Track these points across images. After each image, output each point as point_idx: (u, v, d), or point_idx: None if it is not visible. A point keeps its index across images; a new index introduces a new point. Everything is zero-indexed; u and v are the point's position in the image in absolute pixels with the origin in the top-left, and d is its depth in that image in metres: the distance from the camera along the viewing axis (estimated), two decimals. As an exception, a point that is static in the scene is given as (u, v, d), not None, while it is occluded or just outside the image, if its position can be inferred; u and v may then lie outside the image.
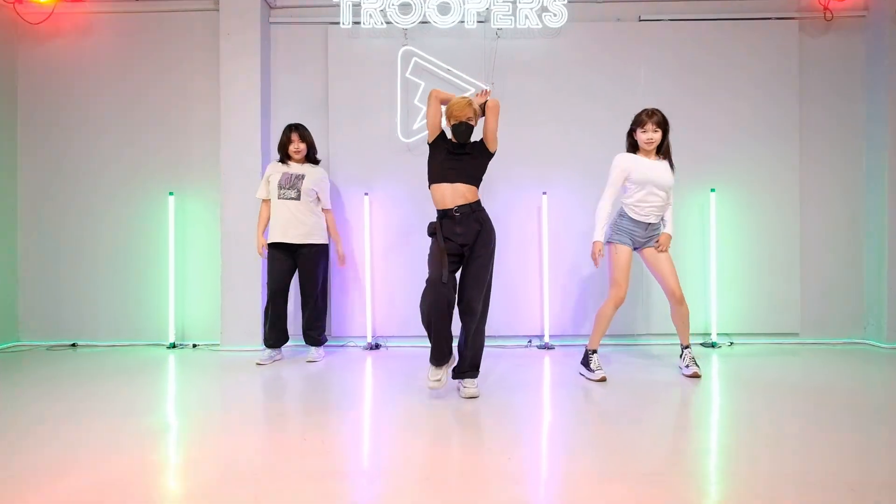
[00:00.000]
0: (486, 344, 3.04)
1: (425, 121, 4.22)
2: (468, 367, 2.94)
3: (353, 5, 4.15)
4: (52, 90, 4.41)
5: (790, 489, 1.80)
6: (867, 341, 4.28)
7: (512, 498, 1.75)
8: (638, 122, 3.25)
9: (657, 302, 4.22)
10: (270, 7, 4.35)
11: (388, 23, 4.19)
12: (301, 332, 3.94)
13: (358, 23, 4.19)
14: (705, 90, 4.28)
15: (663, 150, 3.29)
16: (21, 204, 4.43)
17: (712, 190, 4.23)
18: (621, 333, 4.26)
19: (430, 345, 2.87)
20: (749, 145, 4.28)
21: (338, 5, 4.16)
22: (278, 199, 3.73)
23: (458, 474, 1.93)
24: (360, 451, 2.20)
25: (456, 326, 2.94)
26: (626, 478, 1.88)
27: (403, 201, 4.31)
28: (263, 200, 3.84)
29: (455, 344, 2.99)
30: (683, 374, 3.30)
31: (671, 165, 3.30)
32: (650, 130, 3.20)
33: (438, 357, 2.84)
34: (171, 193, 4.35)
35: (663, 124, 3.22)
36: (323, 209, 3.89)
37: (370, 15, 4.16)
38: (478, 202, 2.93)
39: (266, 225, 3.83)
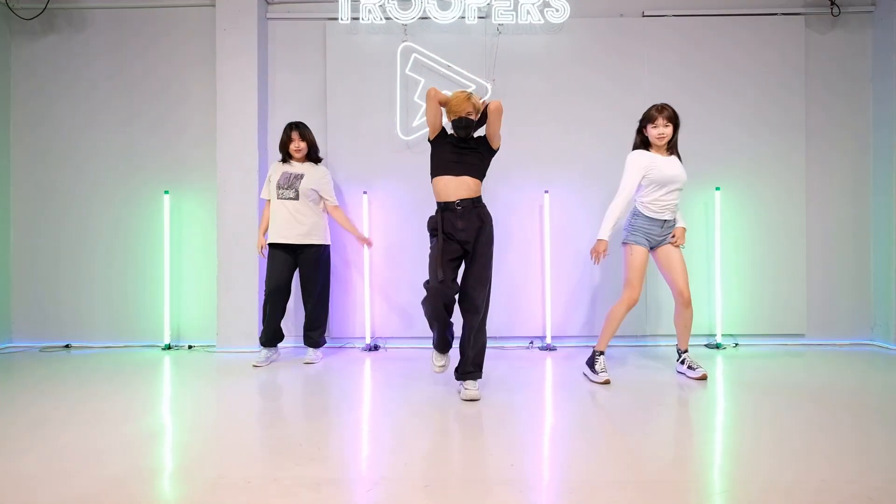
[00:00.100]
0: (482, 376, 2.95)
1: (425, 118, 4.16)
2: (471, 367, 2.87)
3: (352, 0, 4.08)
4: (45, 87, 4.34)
5: (797, 496, 1.73)
6: (874, 342, 4.22)
7: (516, 507, 1.69)
8: (649, 119, 3.19)
9: (666, 302, 4.15)
10: (268, 2, 4.29)
11: (387, 18, 4.13)
12: (301, 333, 3.87)
13: (357, 18, 4.13)
14: (709, 87, 4.22)
15: (673, 146, 3.23)
16: (14, 203, 4.36)
17: (717, 188, 4.16)
18: (629, 334, 4.18)
19: (431, 340, 2.96)
20: (754, 143, 4.21)
21: (336, 0, 4.09)
22: (277, 199, 3.67)
23: (460, 481, 1.86)
24: (358, 456, 2.13)
25: (456, 326, 2.93)
26: (630, 485, 1.82)
27: (403, 200, 4.25)
28: (267, 201, 3.77)
29: (455, 345, 3.00)
30: (690, 378, 3.22)
31: (679, 160, 3.25)
32: (661, 126, 3.15)
33: (442, 346, 2.95)
34: (166, 192, 4.28)
35: (674, 119, 3.17)
36: (330, 206, 3.80)
37: (369, 10, 4.10)
38: (480, 197, 2.90)
39: (267, 225, 3.76)
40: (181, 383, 3.28)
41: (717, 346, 4.10)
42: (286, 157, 3.77)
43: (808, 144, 4.23)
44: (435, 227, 2.87)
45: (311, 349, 3.81)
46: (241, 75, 4.12)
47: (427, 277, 2.88)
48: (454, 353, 3.08)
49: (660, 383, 3.15)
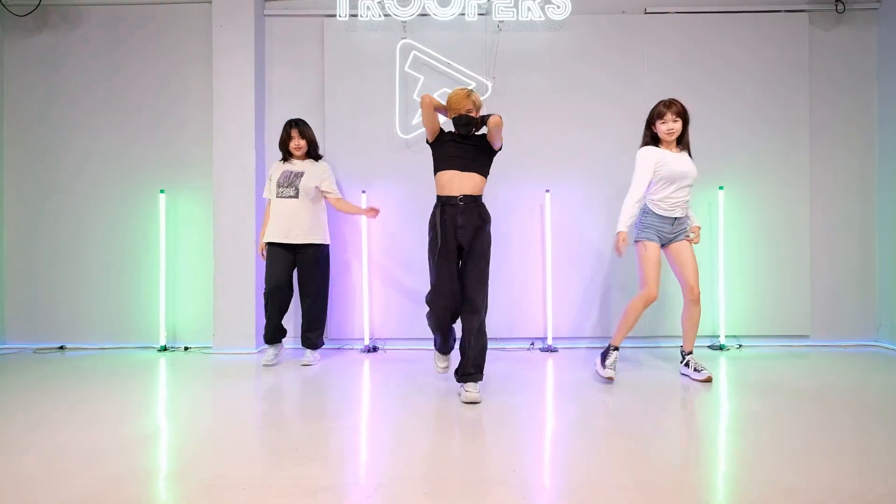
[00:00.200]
0: (483, 377, 2.88)
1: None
2: (471, 369, 2.81)
3: (350, -4, 4.04)
4: (38, 84, 4.28)
5: (798, 498, 1.68)
6: (880, 344, 4.16)
7: (519, 515, 1.63)
8: (657, 114, 3.16)
9: (672, 302, 4.08)
10: (265, -1, 4.24)
11: (386, 15, 4.08)
12: (299, 334, 3.81)
13: (355, 15, 4.07)
14: (713, 85, 4.17)
15: (683, 142, 3.21)
16: (6, 202, 4.30)
17: (720, 187, 4.11)
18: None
19: (432, 342, 3.03)
20: (758, 141, 4.16)
21: (334, -3, 4.04)
22: (277, 197, 3.62)
23: (461, 484, 1.80)
24: (356, 461, 2.07)
25: (456, 327, 2.91)
26: (630, 487, 1.76)
27: (402, 199, 4.19)
28: (269, 200, 3.72)
29: (455, 346, 3.01)
30: (695, 380, 3.17)
31: (690, 156, 3.23)
32: (670, 121, 3.12)
33: (445, 349, 3.03)
34: (161, 191, 4.22)
35: (683, 114, 3.14)
36: (332, 199, 3.73)
37: (368, 7, 4.05)
38: (481, 196, 2.88)
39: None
40: (177, 385, 3.22)
41: (721, 348, 4.05)
42: (286, 155, 3.72)
43: (812, 143, 4.18)
44: (434, 226, 2.83)
45: (308, 350, 3.75)
46: (237, 72, 4.06)
47: (428, 290, 2.91)
48: (455, 354, 3.04)
49: (663, 384, 3.10)
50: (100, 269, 4.28)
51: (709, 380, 3.13)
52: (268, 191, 3.72)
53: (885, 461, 2.00)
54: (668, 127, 3.13)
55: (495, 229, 3.97)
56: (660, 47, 4.17)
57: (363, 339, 4.16)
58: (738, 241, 4.18)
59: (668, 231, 3.20)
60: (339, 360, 3.83)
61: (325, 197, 3.74)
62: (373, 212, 3.79)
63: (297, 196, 3.60)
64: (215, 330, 4.06)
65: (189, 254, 4.28)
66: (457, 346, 3.01)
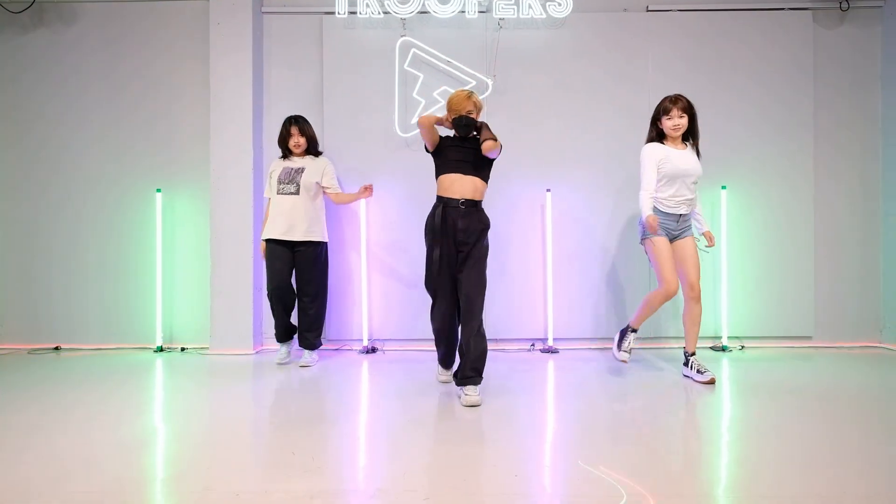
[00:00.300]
0: (482, 380, 2.84)
1: (425, 115, 4.07)
2: (471, 372, 2.77)
3: (349, -6, 3.99)
4: (34, 82, 4.23)
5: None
6: (884, 345, 4.13)
7: (521, 524, 1.59)
8: (663, 110, 3.14)
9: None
10: (263, -4, 4.19)
11: (385, 12, 4.04)
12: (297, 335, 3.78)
13: (354, 12, 4.03)
14: (716, 84, 4.13)
15: (691, 139, 3.20)
16: (0, 200, 4.25)
17: (723, 187, 4.07)
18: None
19: (433, 343, 3.09)
20: (761, 141, 4.12)
21: (333, -6, 4.00)
22: (278, 194, 3.58)
23: (462, 493, 1.76)
24: (354, 467, 2.03)
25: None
26: (634, 498, 1.72)
27: (402, 198, 4.15)
28: (268, 199, 3.69)
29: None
30: (698, 381, 3.13)
31: (698, 153, 3.22)
32: (676, 117, 3.10)
33: (448, 362, 3.09)
34: (158, 190, 4.17)
35: (689, 109, 3.13)
36: (332, 194, 3.69)
37: (367, 4, 4.01)
38: (481, 202, 2.91)
39: None
40: (173, 387, 3.18)
41: (724, 349, 4.01)
42: (285, 152, 3.68)
43: (816, 142, 4.14)
44: (433, 227, 2.83)
45: (306, 351, 3.70)
46: (235, 71, 4.02)
47: (431, 308, 2.98)
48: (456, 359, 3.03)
49: (666, 386, 3.06)
50: (95, 269, 4.23)
51: (712, 382, 3.09)
52: (268, 190, 3.68)
53: (891, 465, 1.97)
54: (674, 123, 3.11)
55: (496, 229, 3.96)
56: (662, 45, 4.13)
57: (362, 339, 4.12)
58: (740, 242, 4.14)
59: (673, 227, 3.18)
60: (338, 361, 3.78)
61: (324, 192, 3.69)
62: (367, 191, 3.72)
63: (297, 192, 3.56)
64: (212, 331, 4.02)
65: (186, 254, 4.23)
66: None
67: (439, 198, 2.87)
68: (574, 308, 4.14)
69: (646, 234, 3.20)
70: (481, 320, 2.84)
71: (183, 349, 4.15)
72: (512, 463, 2.01)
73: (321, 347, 3.83)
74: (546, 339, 4.10)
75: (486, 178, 2.92)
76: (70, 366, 3.67)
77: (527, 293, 4.16)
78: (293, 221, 3.55)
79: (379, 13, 4.03)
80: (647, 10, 4.14)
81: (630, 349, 3.27)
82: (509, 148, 3.92)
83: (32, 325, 4.23)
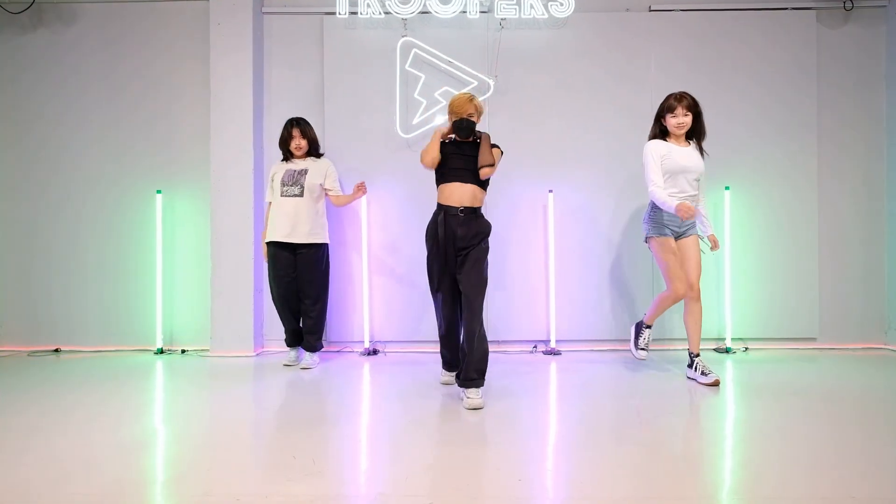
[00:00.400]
0: (484, 384, 2.82)
1: (425, 115, 4.08)
2: (474, 374, 2.75)
3: (350, -6, 3.97)
4: (33, 82, 4.22)
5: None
6: (889, 347, 4.09)
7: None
8: (668, 108, 3.13)
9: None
10: (263, -4, 4.17)
11: (386, 12, 4.02)
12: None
13: (355, 13, 4.01)
14: (718, 84, 4.10)
15: (695, 137, 3.20)
16: (0, 202, 4.23)
17: (726, 188, 4.05)
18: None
19: (436, 352, 3.16)
20: (765, 141, 4.10)
21: (334, -6, 3.98)
22: (281, 196, 3.56)
23: (465, 497, 1.74)
24: (355, 470, 2.00)
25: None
26: (640, 501, 1.70)
27: (403, 199, 4.13)
28: (269, 204, 3.67)
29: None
30: (702, 384, 3.10)
31: (701, 152, 3.21)
32: (680, 115, 3.10)
33: (452, 364, 3.11)
34: (158, 191, 4.15)
35: (694, 108, 3.12)
36: (332, 196, 3.68)
37: (368, 4, 4.00)
38: (481, 208, 2.94)
39: None
40: (174, 389, 3.16)
41: (727, 351, 3.99)
42: (286, 154, 3.67)
43: (820, 142, 4.11)
44: (434, 233, 2.89)
45: (307, 353, 3.68)
46: (235, 71, 4.00)
47: (437, 323, 3.07)
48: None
49: (670, 388, 3.04)
50: (95, 271, 4.21)
51: (716, 383, 3.06)
52: (270, 193, 3.66)
53: (895, 467, 1.94)
54: (679, 121, 3.10)
55: (498, 230, 3.95)
56: (664, 45, 4.11)
57: (363, 341, 4.10)
58: (744, 243, 4.11)
59: (677, 225, 3.17)
60: (339, 364, 3.76)
61: (326, 194, 3.68)
62: (360, 189, 3.66)
63: (301, 195, 3.55)
64: (213, 332, 4.00)
65: (186, 255, 4.21)
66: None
67: (439, 205, 2.92)
68: (577, 309, 4.12)
69: (650, 232, 3.19)
70: (482, 321, 2.83)
71: (183, 351, 4.13)
72: (515, 466, 1.99)
73: (322, 350, 3.80)
74: (548, 341, 4.08)
75: (485, 186, 2.95)
76: (70, 368, 3.65)
77: (529, 294, 4.13)
78: (297, 223, 3.53)
79: (380, 13, 4.01)
80: (650, 10, 4.12)
81: (647, 346, 3.35)
82: (511, 148, 3.90)
83: (32, 327, 4.21)
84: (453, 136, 2.94)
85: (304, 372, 3.52)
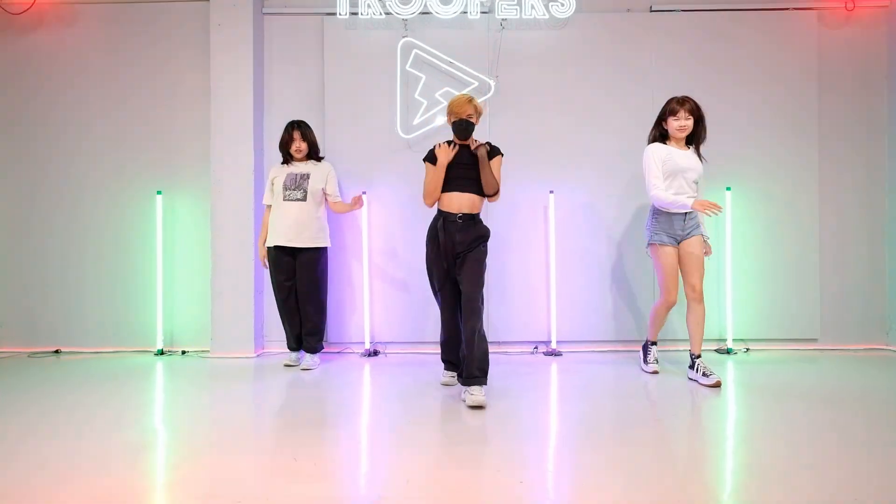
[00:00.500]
0: (486, 382, 2.84)
1: (426, 116, 4.07)
2: (477, 372, 2.76)
3: (351, -6, 3.97)
4: (33, 84, 4.21)
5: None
6: (890, 347, 4.08)
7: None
8: (670, 111, 3.17)
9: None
10: (264, -3, 4.17)
11: (387, 13, 4.01)
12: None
13: (356, 13, 4.01)
14: (719, 84, 4.10)
15: (695, 142, 3.23)
16: (0, 202, 4.23)
17: (727, 188, 4.04)
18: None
19: (436, 353, 3.20)
20: (765, 142, 4.09)
21: (334, -6, 3.97)
22: (284, 200, 3.55)
23: (466, 500, 1.73)
24: (356, 472, 2.00)
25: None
26: (642, 502, 1.70)
27: (403, 200, 4.12)
28: (267, 207, 3.67)
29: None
30: (703, 385, 3.10)
31: (699, 157, 3.24)
32: (683, 118, 3.13)
33: (454, 365, 3.15)
34: (159, 192, 4.15)
35: (696, 112, 3.15)
36: (333, 202, 3.69)
37: (368, 5, 3.99)
38: (479, 214, 2.99)
39: (267, 234, 3.65)
40: (174, 390, 3.16)
41: (728, 352, 3.98)
42: (286, 157, 3.66)
43: (821, 143, 4.10)
44: (434, 238, 2.96)
45: (308, 355, 3.68)
46: (235, 72, 3.99)
47: (440, 329, 3.13)
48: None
49: (671, 389, 3.03)
50: (96, 272, 4.21)
51: (717, 385, 3.06)
52: (269, 196, 3.65)
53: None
54: (681, 124, 3.13)
55: (499, 231, 3.95)
56: (665, 46, 4.10)
57: (364, 342, 4.09)
58: (745, 243, 4.10)
59: (679, 228, 3.19)
60: (340, 365, 3.75)
61: (326, 198, 3.68)
62: (358, 203, 3.70)
63: (304, 199, 3.55)
64: (213, 334, 3.99)
65: (186, 256, 4.21)
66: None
67: (439, 211, 2.99)
68: (578, 310, 4.11)
69: (652, 239, 3.23)
70: (482, 320, 2.86)
71: (183, 352, 4.12)
72: (516, 468, 1.98)
73: (322, 351, 3.79)
74: (549, 342, 4.07)
75: (483, 193, 2.99)
76: (70, 369, 3.65)
77: (530, 295, 4.12)
78: (301, 227, 3.54)
79: (380, 14, 4.01)
80: (651, 11, 4.12)
81: (657, 359, 3.45)
82: (512, 149, 3.89)
83: (32, 328, 4.21)
84: (451, 146, 2.97)
85: (304, 373, 3.51)
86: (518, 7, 3.98)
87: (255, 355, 3.99)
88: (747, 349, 4.05)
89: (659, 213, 3.21)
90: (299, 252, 3.57)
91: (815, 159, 4.09)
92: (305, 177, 3.59)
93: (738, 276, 4.08)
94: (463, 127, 2.89)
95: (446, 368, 3.20)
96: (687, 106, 3.12)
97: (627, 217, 4.10)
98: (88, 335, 4.20)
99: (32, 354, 4.10)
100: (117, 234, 4.21)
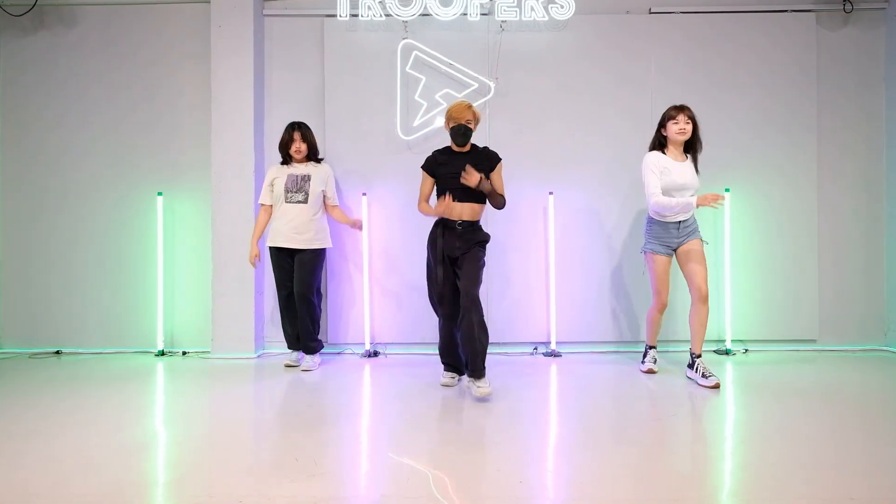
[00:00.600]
0: (489, 351, 3.01)
1: (426, 118, 4.08)
2: (482, 365, 2.89)
3: (351, -4, 3.98)
4: (34, 86, 4.22)
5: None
6: (888, 348, 4.10)
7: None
8: (669, 116, 3.23)
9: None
10: (264, -1, 4.18)
11: (387, 15, 4.02)
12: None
13: (356, 15, 4.02)
14: (718, 86, 4.11)
15: (692, 152, 3.30)
16: (1, 204, 4.24)
17: (726, 190, 4.05)
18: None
19: (436, 354, 3.27)
20: (765, 143, 4.10)
21: (335, -4, 3.99)
22: (286, 202, 3.57)
23: (466, 499, 1.74)
24: (357, 472, 2.01)
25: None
26: (641, 502, 1.71)
27: (404, 201, 4.13)
28: (263, 206, 3.67)
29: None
30: (702, 385, 3.11)
31: (696, 168, 3.31)
32: (682, 122, 3.19)
33: (455, 367, 3.18)
34: (159, 194, 4.16)
35: (693, 118, 3.22)
36: (331, 205, 3.72)
37: (368, 7, 4.00)
38: (479, 221, 3.07)
39: (262, 232, 3.65)
40: (175, 391, 3.17)
41: (727, 352, 3.99)
42: (286, 158, 3.67)
43: (820, 145, 4.12)
44: (433, 245, 3.03)
45: (308, 355, 3.69)
46: (236, 73, 4.01)
47: (438, 326, 3.17)
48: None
49: (670, 390, 3.05)
50: (97, 273, 4.22)
51: (716, 386, 3.07)
52: (267, 196, 3.66)
53: (895, 468, 1.95)
54: (680, 127, 3.18)
55: (499, 232, 3.96)
56: (664, 47, 4.12)
57: (363, 343, 4.10)
58: (744, 244, 4.12)
59: (674, 236, 3.25)
60: (339, 366, 3.77)
61: (325, 200, 3.69)
62: (356, 225, 3.82)
63: (306, 201, 3.56)
64: (213, 334, 4.00)
65: (187, 257, 4.22)
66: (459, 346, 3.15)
67: (439, 218, 3.05)
68: (577, 311, 4.12)
69: (645, 247, 3.33)
70: (482, 313, 2.93)
71: (184, 353, 4.13)
72: (516, 467, 2.00)
73: (322, 351, 3.80)
74: (549, 343, 4.08)
75: (483, 200, 3.06)
76: (71, 369, 3.66)
77: (529, 296, 4.14)
78: (301, 229, 3.55)
79: (381, 15, 4.02)
80: (650, 13, 4.13)
81: (654, 359, 3.50)
82: (512, 151, 3.90)
83: (33, 329, 4.22)
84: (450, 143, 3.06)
85: (304, 374, 3.53)
86: (518, 9, 3.99)
87: (255, 356, 4.00)
88: (746, 350, 4.06)
89: (653, 223, 3.29)
90: (298, 252, 3.59)
91: (814, 161, 4.11)
92: (306, 179, 3.60)
93: (737, 277, 4.09)
94: (461, 132, 2.95)
95: (446, 370, 3.21)
96: (686, 111, 3.19)
97: (627, 218, 4.12)
98: (89, 336, 4.21)
99: (34, 355, 4.10)
100: (118, 236, 4.22)
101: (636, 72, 4.12)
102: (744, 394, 2.99)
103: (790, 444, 2.22)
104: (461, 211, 2.99)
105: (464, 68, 4.09)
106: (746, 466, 2.02)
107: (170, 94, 4.22)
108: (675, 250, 3.28)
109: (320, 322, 3.76)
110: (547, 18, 4.01)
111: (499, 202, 3.07)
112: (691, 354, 3.26)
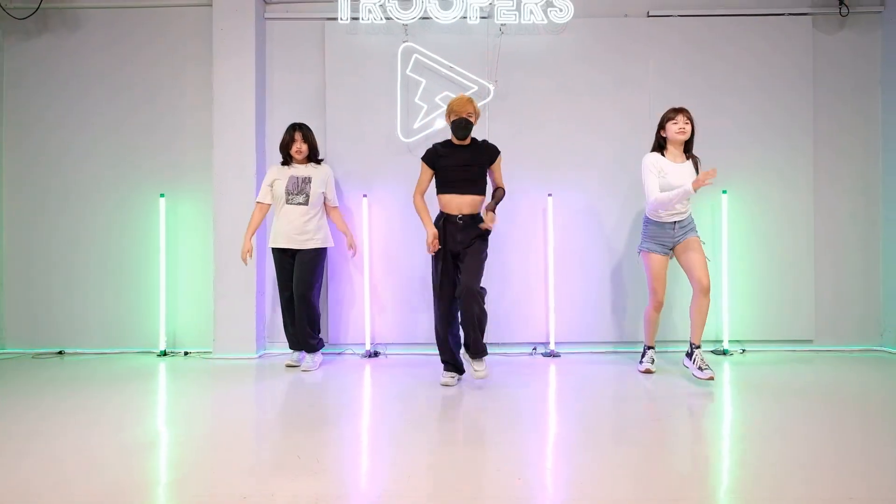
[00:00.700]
0: (488, 352, 3.19)
1: (426, 120, 4.12)
2: (482, 346, 3.05)
3: (352, 0, 4.00)
4: (38, 88, 4.26)
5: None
6: (884, 348, 4.13)
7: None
8: (667, 118, 3.27)
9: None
10: (266, 2, 4.21)
11: (387, 18, 4.05)
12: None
13: (356, 18, 4.05)
14: (716, 88, 4.14)
15: (691, 156, 3.32)
16: (5, 205, 4.27)
17: (724, 191, 4.08)
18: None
19: (436, 354, 3.30)
20: (762, 146, 4.13)
21: (335, 0, 4.01)
22: (286, 204, 3.60)
23: (465, 497, 1.77)
24: (358, 470, 2.04)
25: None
26: (640, 501, 1.73)
27: (404, 202, 4.16)
28: (259, 204, 3.69)
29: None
30: (697, 377, 3.17)
31: (696, 167, 3.32)
32: (682, 122, 3.22)
33: (455, 367, 3.24)
34: (162, 195, 4.19)
35: (692, 120, 3.26)
36: (331, 207, 3.76)
37: (369, 10, 4.02)
38: (479, 213, 3.13)
39: (256, 229, 3.68)
40: (177, 391, 3.20)
41: (725, 353, 4.02)
42: (287, 158, 3.70)
43: (817, 147, 4.15)
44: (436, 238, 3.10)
45: (308, 355, 3.72)
46: (238, 76, 4.04)
47: (434, 318, 3.22)
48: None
49: (669, 390, 3.07)
50: (99, 274, 4.25)
51: (711, 378, 3.12)
52: (267, 195, 3.68)
53: (893, 467, 1.98)
54: (679, 127, 3.21)
55: (498, 233, 3.97)
56: (662, 51, 4.15)
57: (364, 343, 4.13)
58: (741, 246, 4.15)
59: (670, 236, 3.29)
60: (340, 366, 3.79)
61: (325, 201, 3.72)
62: (352, 248, 3.86)
63: (307, 203, 3.59)
64: (215, 334, 4.03)
65: (189, 258, 4.25)
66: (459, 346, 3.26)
67: (441, 212, 3.13)
68: (576, 312, 4.15)
69: (641, 247, 3.37)
70: (483, 300, 3.06)
71: (186, 353, 4.16)
72: (515, 466, 2.02)
73: (322, 349, 3.83)
74: (548, 343, 4.11)
75: (483, 192, 3.14)
76: (73, 370, 3.69)
77: (529, 297, 4.16)
78: (302, 230, 3.58)
79: (381, 19, 4.05)
80: (648, 16, 4.16)
81: (652, 360, 3.51)
82: (511, 152, 3.93)
83: (36, 329, 4.25)
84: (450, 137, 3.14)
85: (305, 374, 3.55)
86: (517, 12, 4.02)
87: (256, 356, 4.02)
88: (743, 350, 4.09)
89: (650, 223, 3.33)
90: (298, 252, 3.62)
91: (811, 163, 4.14)
92: (307, 181, 3.63)
93: (734, 278, 4.12)
94: (462, 125, 3.03)
95: (446, 369, 3.25)
96: (685, 113, 3.23)
97: (626, 219, 4.15)
98: (92, 336, 4.24)
99: (36, 355, 4.13)
100: (121, 237, 4.25)
101: (635, 74, 4.15)
102: (742, 394, 3.02)
103: (789, 443, 2.25)
104: (461, 205, 3.07)
105: (464, 71, 4.12)
106: (745, 466, 2.04)
107: (171, 96, 4.25)
108: (672, 249, 3.31)
109: (320, 322, 3.78)
110: (546, 21, 4.04)
111: (500, 196, 3.19)
112: (690, 344, 3.30)
